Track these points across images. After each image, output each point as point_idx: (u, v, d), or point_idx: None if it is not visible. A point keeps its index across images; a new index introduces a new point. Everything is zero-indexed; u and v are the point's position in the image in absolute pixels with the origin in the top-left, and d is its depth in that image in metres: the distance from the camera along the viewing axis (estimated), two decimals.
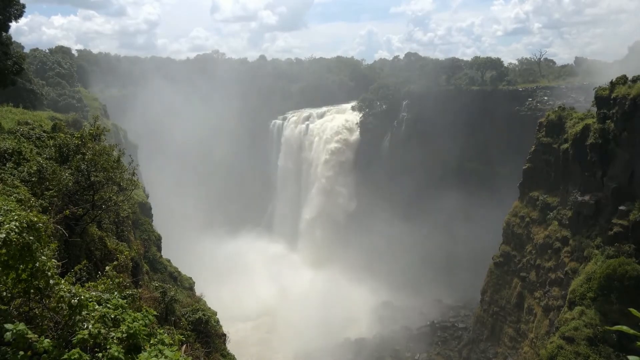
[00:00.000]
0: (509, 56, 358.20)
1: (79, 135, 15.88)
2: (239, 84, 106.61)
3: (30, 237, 5.90)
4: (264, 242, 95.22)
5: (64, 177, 13.73)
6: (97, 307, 5.90)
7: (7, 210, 6.76)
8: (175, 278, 35.31)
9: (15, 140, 16.51)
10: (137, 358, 5.50)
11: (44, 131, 21.17)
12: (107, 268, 7.37)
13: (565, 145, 45.06)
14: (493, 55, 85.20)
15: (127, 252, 17.58)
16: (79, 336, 5.39)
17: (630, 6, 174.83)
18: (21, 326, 5.14)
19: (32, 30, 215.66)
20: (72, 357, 5.10)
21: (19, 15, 25.51)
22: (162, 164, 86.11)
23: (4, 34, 25.73)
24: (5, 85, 26.65)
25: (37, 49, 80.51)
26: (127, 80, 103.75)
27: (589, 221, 40.82)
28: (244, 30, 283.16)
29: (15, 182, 12.51)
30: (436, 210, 73.34)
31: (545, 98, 71.18)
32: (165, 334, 6.14)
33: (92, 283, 7.02)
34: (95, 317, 5.69)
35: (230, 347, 25.75)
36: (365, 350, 63.78)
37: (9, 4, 24.66)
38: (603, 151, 39.42)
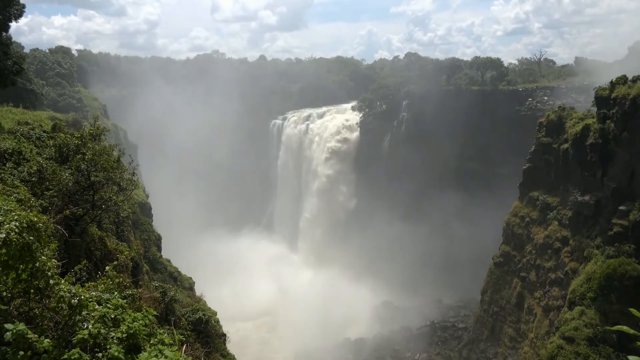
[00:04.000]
0: (509, 56, 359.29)
1: (79, 135, 15.86)
2: (239, 84, 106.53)
3: (30, 237, 5.90)
4: (264, 241, 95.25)
5: (64, 177, 13.72)
6: (97, 307, 5.89)
7: (7, 210, 6.76)
8: (175, 278, 35.26)
9: (15, 140, 16.50)
10: (137, 358, 5.50)
11: (44, 131, 21.17)
12: (107, 268, 7.35)
13: (565, 145, 45.03)
14: (493, 55, 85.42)
15: (127, 252, 17.59)
16: (79, 336, 5.39)
17: (630, 6, 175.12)
18: (21, 326, 5.14)
19: (32, 30, 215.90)
20: (72, 357, 5.10)
21: (19, 15, 25.51)
22: (162, 164, 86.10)
23: (4, 34, 25.73)
24: (5, 85, 26.66)
25: (37, 49, 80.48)
26: (127, 81, 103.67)
27: (589, 221, 40.80)
28: (244, 30, 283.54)
29: (15, 182, 12.50)
30: (436, 210, 73.34)
31: (545, 98, 71.20)
32: (165, 334, 6.14)
33: (92, 283, 7.01)
34: (95, 317, 5.69)
35: (231, 347, 25.75)
36: (365, 350, 63.77)
37: (9, 4, 24.66)
38: (603, 151, 39.38)
